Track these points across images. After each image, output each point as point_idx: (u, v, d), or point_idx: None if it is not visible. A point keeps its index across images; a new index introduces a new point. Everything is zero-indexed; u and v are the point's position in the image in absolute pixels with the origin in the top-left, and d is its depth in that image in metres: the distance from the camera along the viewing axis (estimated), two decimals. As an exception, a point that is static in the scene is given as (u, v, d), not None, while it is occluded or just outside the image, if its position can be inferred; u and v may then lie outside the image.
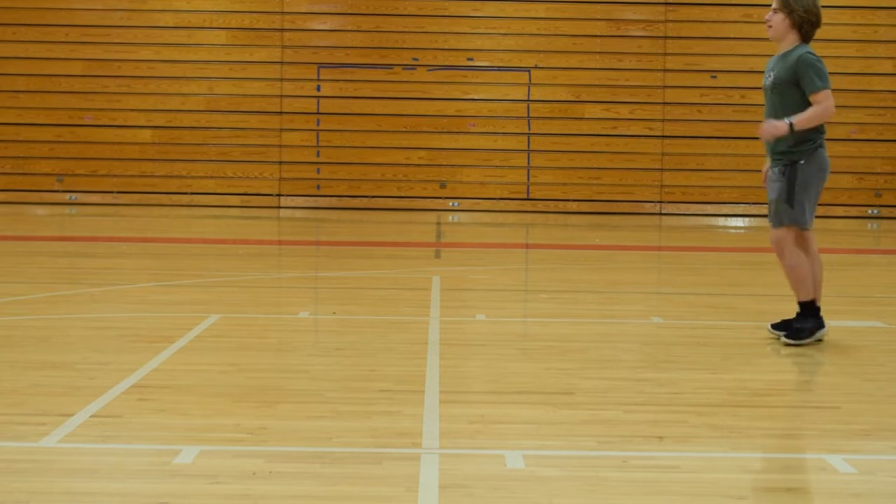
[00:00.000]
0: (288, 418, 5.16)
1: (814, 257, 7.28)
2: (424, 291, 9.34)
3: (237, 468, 4.36)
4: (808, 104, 7.00)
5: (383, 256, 12.71)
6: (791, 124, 6.91)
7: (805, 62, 6.98)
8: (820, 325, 7.20)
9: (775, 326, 7.34)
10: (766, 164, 7.29)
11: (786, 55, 7.09)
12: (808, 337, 7.12)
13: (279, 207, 18.78)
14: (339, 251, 13.46)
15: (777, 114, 7.03)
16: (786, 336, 7.14)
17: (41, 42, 18.79)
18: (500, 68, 18.91)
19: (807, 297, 7.16)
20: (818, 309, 7.22)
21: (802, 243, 7.26)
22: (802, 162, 7.06)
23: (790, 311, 7.62)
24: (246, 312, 8.31)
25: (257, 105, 18.95)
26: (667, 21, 18.54)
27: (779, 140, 7.04)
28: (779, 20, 7.09)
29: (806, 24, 7.12)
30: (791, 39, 7.11)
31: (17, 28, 18.76)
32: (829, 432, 5.09)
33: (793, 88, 7.01)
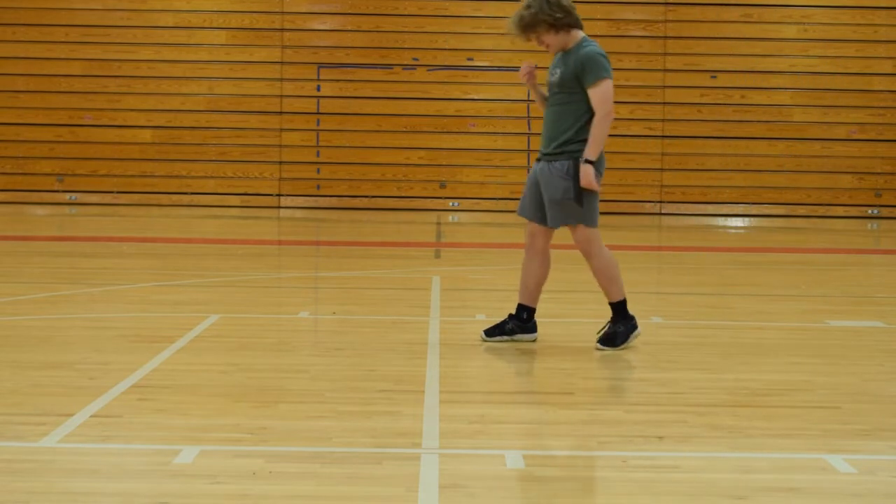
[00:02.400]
0: (288, 418, 5.16)
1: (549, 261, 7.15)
2: (424, 291, 9.34)
3: (237, 468, 4.36)
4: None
5: (383, 256, 12.71)
6: (592, 161, 6.79)
7: (587, 56, 6.74)
8: (634, 326, 6.99)
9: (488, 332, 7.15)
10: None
11: (572, 51, 6.83)
12: (623, 342, 6.94)
13: (279, 207, 18.78)
14: (339, 251, 13.46)
15: (567, 108, 6.89)
16: (599, 342, 6.94)
17: (41, 42, 18.79)
18: (500, 68, 18.92)
19: (619, 298, 7.00)
20: (626, 307, 7.00)
21: (547, 246, 7.10)
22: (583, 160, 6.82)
23: (790, 310, 7.63)
24: (246, 312, 8.31)
25: (257, 105, 18.96)
26: (667, 21, 18.54)
27: (561, 133, 6.85)
28: (550, 37, 6.82)
29: (569, 16, 6.79)
30: (572, 38, 6.83)
31: (17, 28, 18.76)
32: (829, 432, 5.09)
33: (576, 83, 6.78)
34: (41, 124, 18.83)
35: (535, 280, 7.15)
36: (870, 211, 18.99)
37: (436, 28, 18.99)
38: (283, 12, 18.94)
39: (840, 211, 18.91)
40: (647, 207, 18.86)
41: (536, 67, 7.02)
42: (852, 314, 8.61)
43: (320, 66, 18.95)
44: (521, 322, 7.11)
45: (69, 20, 18.79)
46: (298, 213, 18.38)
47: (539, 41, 6.92)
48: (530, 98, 18.71)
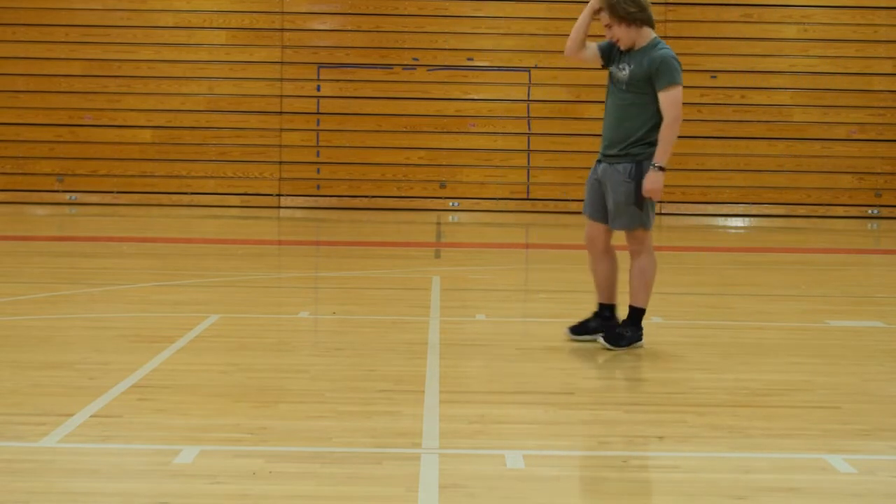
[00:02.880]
0: (288, 418, 5.16)
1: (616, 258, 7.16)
2: (424, 291, 9.34)
3: (237, 468, 4.36)
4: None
5: (383, 256, 12.71)
6: (662, 168, 6.75)
7: (662, 60, 6.73)
8: (640, 337, 7.00)
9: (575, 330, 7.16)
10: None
11: (644, 51, 6.82)
12: (626, 345, 6.93)
13: (279, 207, 18.78)
14: (339, 251, 13.46)
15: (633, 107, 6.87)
16: (604, 338, 6.96)
17: (41, 42, 18.78)
18: (500, 68, 18.91)
19: (645, 305, 6.98)
20: (642, 318, 7.01)
21: (610, 244, 7.08)
22: (647, 163, 6.76)
23: (790, 310, 7.63)
24: (246, 312, 8.31)
25: (257, 105, 18.95)
26: (667, 21, 18.54)
27: (626, 136, 6.83)
28: (622, 30, 6.80)
29: (644, 14, 6.79)
30: (644, 36, 6.82)
31: (17, 28, 18.76)
32: (829, 432, 5.09)
33: (647, 84, 6.77)
34: (41, 124, 18.83)
35: (607, 278, 7.12)
36: (870, 211, 18.99)
37: (436, 28, 18.98)
38: (283, 12, 18.94)
39: (840, 211, 18.91)
40: (647, 207, 18.85)
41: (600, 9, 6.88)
42: (852, 314, 8.61)
43: (320, 66, 18.95)
44: (606, 321, 7.10)
45: (69, 20, 18.79)
46: (298, 213, 18.38)
47: (609, 31, 6.88)
48: (530, 98, 18.71)
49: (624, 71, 6.86)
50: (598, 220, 7.05)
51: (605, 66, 7.05)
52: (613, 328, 7.02)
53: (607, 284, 7.13)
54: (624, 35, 6.84)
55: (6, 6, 18.74)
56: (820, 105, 18.68)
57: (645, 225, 6.89)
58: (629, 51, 6.89)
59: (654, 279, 7.01)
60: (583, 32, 7.01)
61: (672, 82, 6.73)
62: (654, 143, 6.79)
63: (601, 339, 6.97)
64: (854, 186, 18.94)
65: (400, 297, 9.40)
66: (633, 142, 6.82)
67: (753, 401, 5.68)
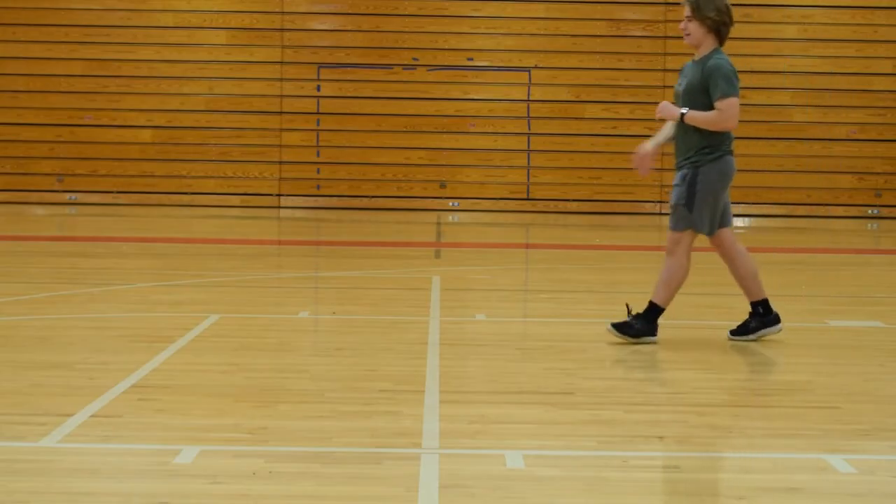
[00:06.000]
0: (288, 418, 5.17)
1: (745, 254, 7.19)
2: (424, 291, 9.34)
3: (237, 468, 4.36)
4: None
5: (383, 256, 12.71)
6: (683, 114, 6.87)
7: (716, 68, 6.96)
8: (652, 332, 7.04)
9: (734, 332, 7.25)
10: (648, 144, 7.16)
11: (702, 61, 7.05)
12: (633, 336, 6.99)
13: (279, 207, 18.78)
14: (339, 251, 13.46)
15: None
16: (613, 324, 7.02)
17: (41, 42, 18.78)
18: (500, 68, 18.91)
19: (663, 304, 7.05)
20: (658, 315, 7.06)
21: (734, 245, 7.14)
22: (704, 169, 6.97)
23: (789, 311, 7.62)
24: (246, 312, 8.31)
25: (257, 105, 18.95)
26: (667, 21, 18.53)
27: (688, 145, 6.96)
28: (695, 27, 7.05)
29: (722, 27, 7.11)
30: (708, 44, 7.08)
31: (17, 28, 18.76)
32: (829, 432, 5.09)
33: (702, 95, 6.96)
34: (41, 124, 18.82)
35: (743, 277, 7.18)
36: (870, 211, 18.99)
37: (436, 28, 18.98)
38: (283, 12, 18.94)
39: (840, 211, 18.90)
40: (647, 207, 18.85)
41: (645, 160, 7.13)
42: (852, 314, 8.61)
43: (320, 66, 18.95)
44: (761, 317, 7.17)
45: (69, 20, 18.78)
46: (298, 213, 18.38)
47: (683, 23, 7.06)
48: (530, 98, 18.71)
49: (681, 86, 7.08)
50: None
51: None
52: (627, 321, 7.05)
53: (749, 280, 7.19)
54: (695, 31, 7.06)
55: (6, 6, 18.73)
56: (820, 105, 18.67)
57: (695, 226, 7.00)
58: (689, 63, 7.12)
59: (680, 283, 7.09)
60: (663, 141, 7.28)
61: (726, 94, 6.91)
62: (712, 151, 7.00)
63: (609, 326, 7.00)
64: (854, 186, 18.94)
65: (400, 297, 9.40)
66: (695, 151, 7.00)
67: (753, 401, 5.68)
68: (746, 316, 7.26)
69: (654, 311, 7.03)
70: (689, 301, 9.35)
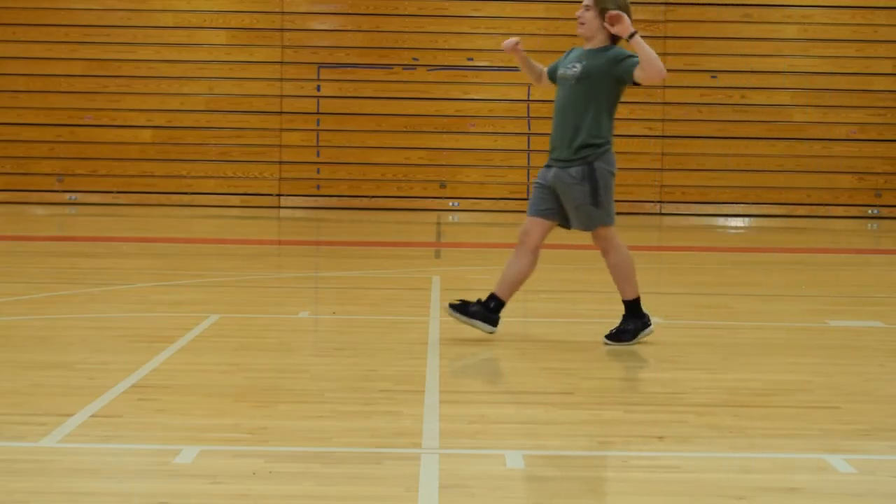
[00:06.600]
0: (288, 418, 5.17)
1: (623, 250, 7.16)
2: (424, 291, 9.34)
3: (237, 468, 4.36)
4: (618, 95, 6.89)
5: (383, 256, 12.71)
6: (634, 33, 6.70)
7: (619, 50, 6.84)
8: (646, 324, 7.01)
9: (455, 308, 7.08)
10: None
11: (597, 52, 6.90)
12: (631, 339, 6.97)
13: (279, 207, 18.78)
14: (339, 251, 13.46)
15: (581, 103, 6.86)
16: (607, 337, 6.99)
17: (41, 42, 18.78)
18: (500, 68, 18.91)
19: (635, 294, 7.01)
20: (639, 306, 7.02)
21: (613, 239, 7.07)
22: (598, 163, 6.86)
23: (790, 310, 7.62)
24: (246, 312, 8.31)
25: (257, 105, 18.95)
26: (667, 21, 18.54)
27: (573, 139, 6.87)
28: (591, 17, 6.94)
29: (608, 9, 6.94)
30: (601, 38, 6.92)
31: (17, 28, 18.75)
32: (829, 432, 5.09)
33: (605, 79, 6.85)
34: (41, 124, 18.82)
35: (517, 273, 7.14)
36: (870, 211, 18.99)
37: (436, 28, 18.98)
38: (283, 12, 18.94)
39: (840, 211, 18.90)
40: (647, 207, 18.86)
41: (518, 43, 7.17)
42: (852, 314, 8.61)
43: (320, 66, 18.95)
44: (488, 311, 7.06)
45: (69, 20, 18.78)
46: (298, 213, 18.38)
47: (580, 12, 6.94)
48: (530, 98, 18.72)
49: (575, 68, 6.93)
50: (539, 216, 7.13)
51: (553, 82, 7.21)
52: (618, 329, 7.01)
53: (510, 281, 7.11)
54: (590, 22, 6.92)
55: (6, 6, 18.73)
56: (820, 105, 18.67)
57: (605, 221, 6.94)
58: (580, 52, 6.98)
59: (633, 268, 7.02)
60: (531, 71, 7.36)
61: (634, 60, 6.75)
62: (601, 144, 6.87)
63: (605, 339, 6.98)
64: (854, 186, 18.94)
65: (400, 297, 9.40)
66: (582, 144, 6.86)
67: (753, 401, 5.68)
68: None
69: (633, 305, 7.02)
70: (689, 301, 9.36)
